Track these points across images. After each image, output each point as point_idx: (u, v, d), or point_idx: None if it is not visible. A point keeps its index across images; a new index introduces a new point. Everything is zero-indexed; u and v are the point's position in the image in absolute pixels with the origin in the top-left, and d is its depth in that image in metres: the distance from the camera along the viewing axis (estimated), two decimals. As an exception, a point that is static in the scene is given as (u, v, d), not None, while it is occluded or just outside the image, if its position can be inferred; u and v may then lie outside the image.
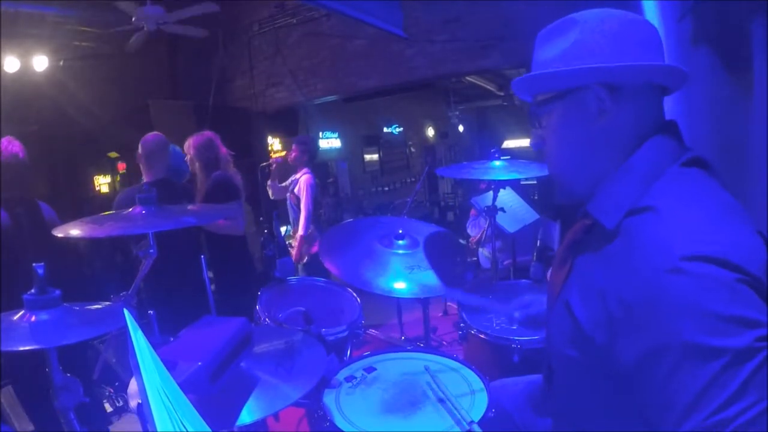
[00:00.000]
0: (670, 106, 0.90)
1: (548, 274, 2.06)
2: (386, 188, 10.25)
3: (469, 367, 1.38)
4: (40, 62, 4.76)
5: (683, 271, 0.66)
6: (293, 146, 4.12)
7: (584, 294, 0.83)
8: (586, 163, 0.89)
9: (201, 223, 2.28)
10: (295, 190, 4.02)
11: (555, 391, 0.99)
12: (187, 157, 2.95)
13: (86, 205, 5.91)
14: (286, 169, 4.24)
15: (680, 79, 0.86)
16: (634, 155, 0.83)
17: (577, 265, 0.89)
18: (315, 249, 3.83)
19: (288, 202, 4.14)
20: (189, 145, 2.92)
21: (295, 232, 4.04)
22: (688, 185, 0.79)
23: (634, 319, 0.71)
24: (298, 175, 4.05)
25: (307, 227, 3.92)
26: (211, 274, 3.01)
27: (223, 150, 2.95)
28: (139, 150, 2.68)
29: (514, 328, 1.66)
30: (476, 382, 1.31)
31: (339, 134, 9.02)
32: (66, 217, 1.47)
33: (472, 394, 1.26)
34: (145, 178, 2.70)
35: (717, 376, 0.62)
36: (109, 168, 6.63)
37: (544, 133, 0.95)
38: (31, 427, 2.39)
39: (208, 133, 2.95)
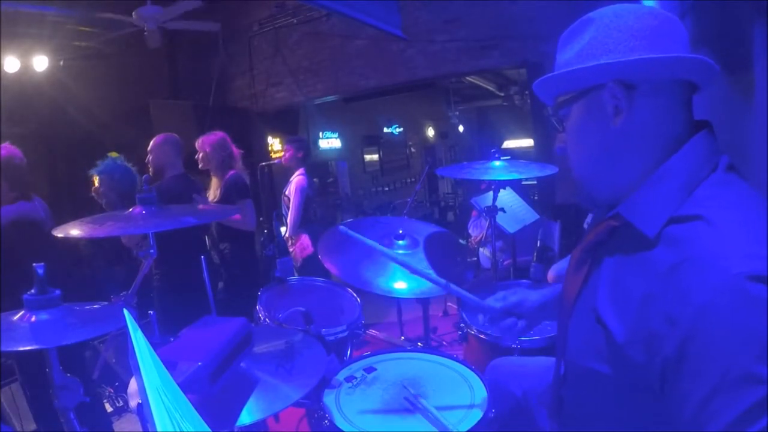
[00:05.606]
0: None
1: (551, 274, 2.05)
2: (386, 188, 10.23)
3: (469, 367, 1.38)
4: (40, 62, 4.75)
5: (741, 292, 0.62)
6: (285, 147, 4.13)
7: (619, 304, 0.78)
8: (607, 166, 0.85)
9: (200, 223, 2.28)
10: (287, 192, 4.02)
11: (569, 404, 0.95)
12: (200, 155, 3.06)
13: (86, 205, 5.89)
14: (286, 170, 4.24)
15: (707, 73, 0.80)
16: (672, 158, 0.79)
17: (604, 269, 0.84)
18: (308, 252, 3.83)
19: (282, 202, 4.14)
20: (203, 143, 3.05)
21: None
22: (734, 193, 0.75)
23: (680, 338, 0.66)
24: (293, 177, 4.06)
25: (293, 229, 3.90)
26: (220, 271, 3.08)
27: (235, 149, 3.11)
28: (156, 149, 2.78)
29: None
30: (477, 383, 1.31)
31: (339, 134, 9.01)
32: (66, 217, 1.47)
33: (471, 395, 1.26)
34: (168, 173, 2.78)
35: (755, 406, 0.59)
36: (109, 168, 6.61)
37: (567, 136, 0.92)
38: (33, 426, 2.39)
39: (220, 133, 3.09)
